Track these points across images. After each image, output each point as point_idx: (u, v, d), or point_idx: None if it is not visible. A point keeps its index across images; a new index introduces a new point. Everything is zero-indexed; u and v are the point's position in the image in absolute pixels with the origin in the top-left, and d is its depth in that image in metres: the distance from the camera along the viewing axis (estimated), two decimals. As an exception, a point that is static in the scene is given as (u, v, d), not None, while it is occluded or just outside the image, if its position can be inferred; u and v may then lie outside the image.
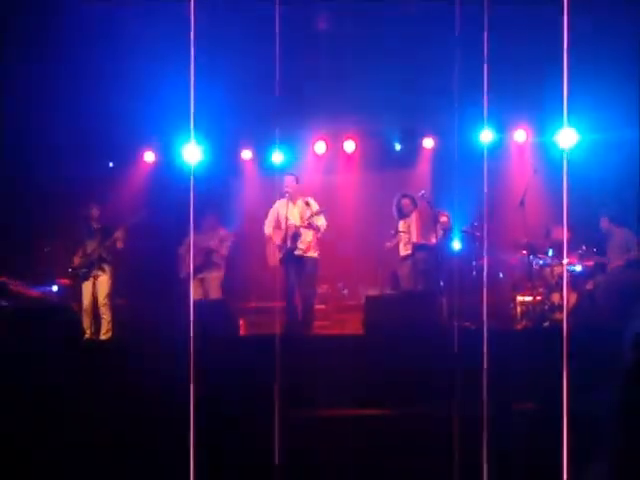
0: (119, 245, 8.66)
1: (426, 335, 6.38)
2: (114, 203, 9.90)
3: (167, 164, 11.31)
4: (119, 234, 8.61)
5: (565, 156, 9.24)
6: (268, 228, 8.45)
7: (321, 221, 8.16)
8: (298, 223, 8.13)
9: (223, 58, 9.20)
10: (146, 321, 8.02)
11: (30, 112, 9.32)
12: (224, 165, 11.24)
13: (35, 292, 9.29)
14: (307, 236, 8.17)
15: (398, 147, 11.33)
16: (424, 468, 5.11)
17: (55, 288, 9.31)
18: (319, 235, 8.21)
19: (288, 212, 8.10)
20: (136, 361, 5.77)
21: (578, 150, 9.66)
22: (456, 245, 9.68)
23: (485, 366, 4.42)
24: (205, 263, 9.10)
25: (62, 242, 9.29)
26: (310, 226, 8.11)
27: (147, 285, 9.79)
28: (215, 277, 9.17)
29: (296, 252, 8.13)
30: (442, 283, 8.53)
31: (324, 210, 8.18)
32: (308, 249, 8.17)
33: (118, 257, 8.80)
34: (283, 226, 8.23)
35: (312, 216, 8.11)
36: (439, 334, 6.76)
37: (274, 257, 8.31)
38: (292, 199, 8.26)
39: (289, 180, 8.34)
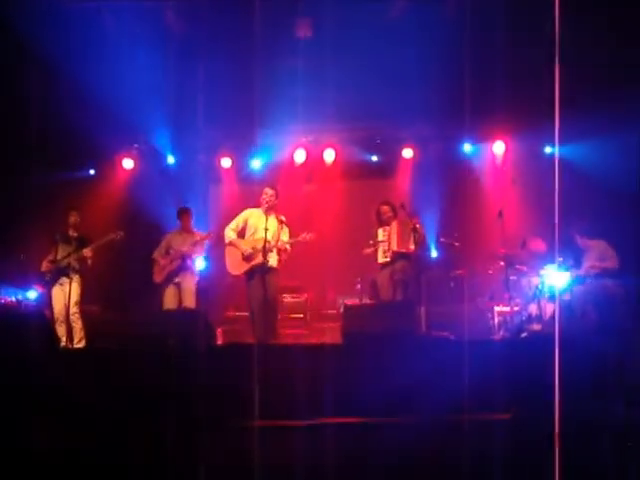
0: (89, 263, 8.55)
1: (404, 345, 6.36)
2: (92, 210, 9.83)
3: (145, 171, 11.27)
4: (87, 252, 8.48)
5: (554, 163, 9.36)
6: (231, 233, 8.24)
7: (288, 246, 8.08)
8: (270, 238, 7.99)
9: (202, 65, 9.20)
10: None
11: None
12: (202, 172, 11.19)
13: (8, 299, 9.17)
14: (275, 251, 8.06)
15: (377, 158, 11.36)
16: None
17: (32, 295, 9.19)
18: (284, 257, 8.12)
19: (262, 224, 7.99)
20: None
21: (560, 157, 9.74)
22: (434, 255, 9.72)
23: (466, 376, 4.43)
24: (182, 267, 8.99)
25: (39, 248, 9.15)
26: (281, 247, 8.02)
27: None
28: (190, 281, 9.04)
29: (268, 265, 7.98)
30: (421, 292, 8.52)
31: (293, 242, 8.07)
32: (278, 263, 8.07)
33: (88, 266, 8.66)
34: (249, 235, 8.17)
35: (288, 243, 8.04)
36: (417, 344, 6.76)
37: (237, 266, 8.12)
38: (267, 212, 8.12)
39: (268, 193, 8.20)
